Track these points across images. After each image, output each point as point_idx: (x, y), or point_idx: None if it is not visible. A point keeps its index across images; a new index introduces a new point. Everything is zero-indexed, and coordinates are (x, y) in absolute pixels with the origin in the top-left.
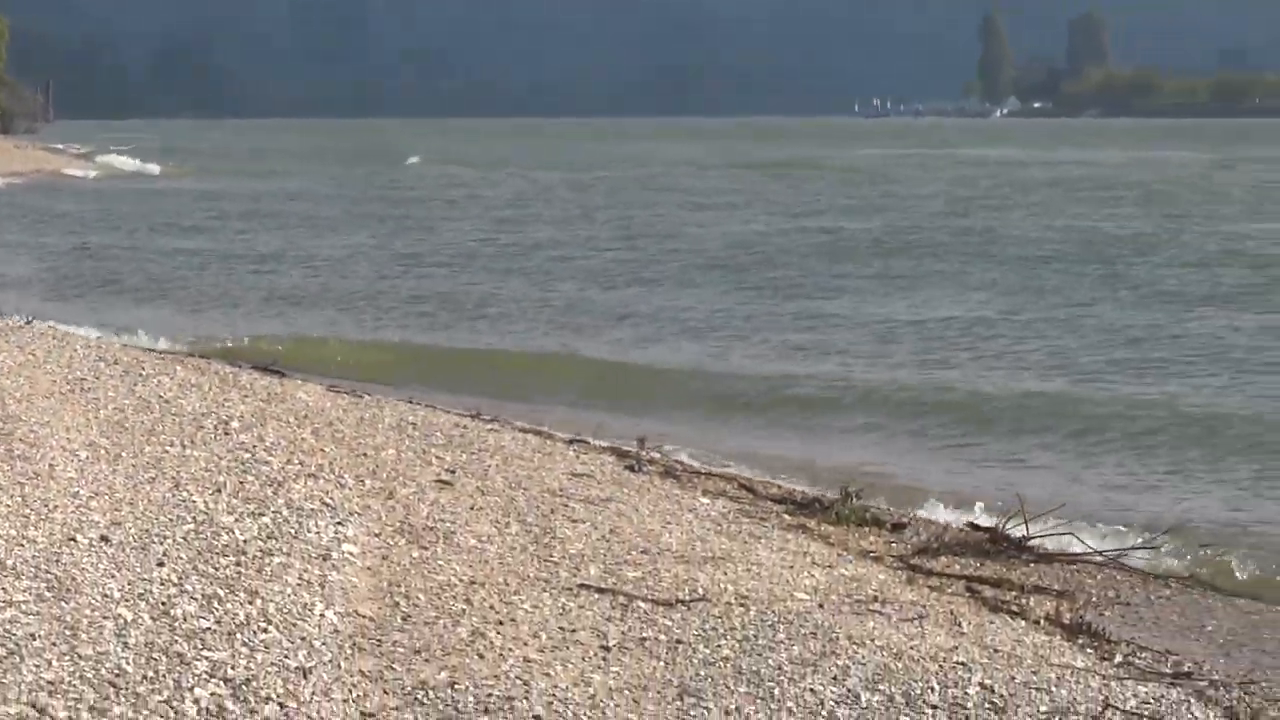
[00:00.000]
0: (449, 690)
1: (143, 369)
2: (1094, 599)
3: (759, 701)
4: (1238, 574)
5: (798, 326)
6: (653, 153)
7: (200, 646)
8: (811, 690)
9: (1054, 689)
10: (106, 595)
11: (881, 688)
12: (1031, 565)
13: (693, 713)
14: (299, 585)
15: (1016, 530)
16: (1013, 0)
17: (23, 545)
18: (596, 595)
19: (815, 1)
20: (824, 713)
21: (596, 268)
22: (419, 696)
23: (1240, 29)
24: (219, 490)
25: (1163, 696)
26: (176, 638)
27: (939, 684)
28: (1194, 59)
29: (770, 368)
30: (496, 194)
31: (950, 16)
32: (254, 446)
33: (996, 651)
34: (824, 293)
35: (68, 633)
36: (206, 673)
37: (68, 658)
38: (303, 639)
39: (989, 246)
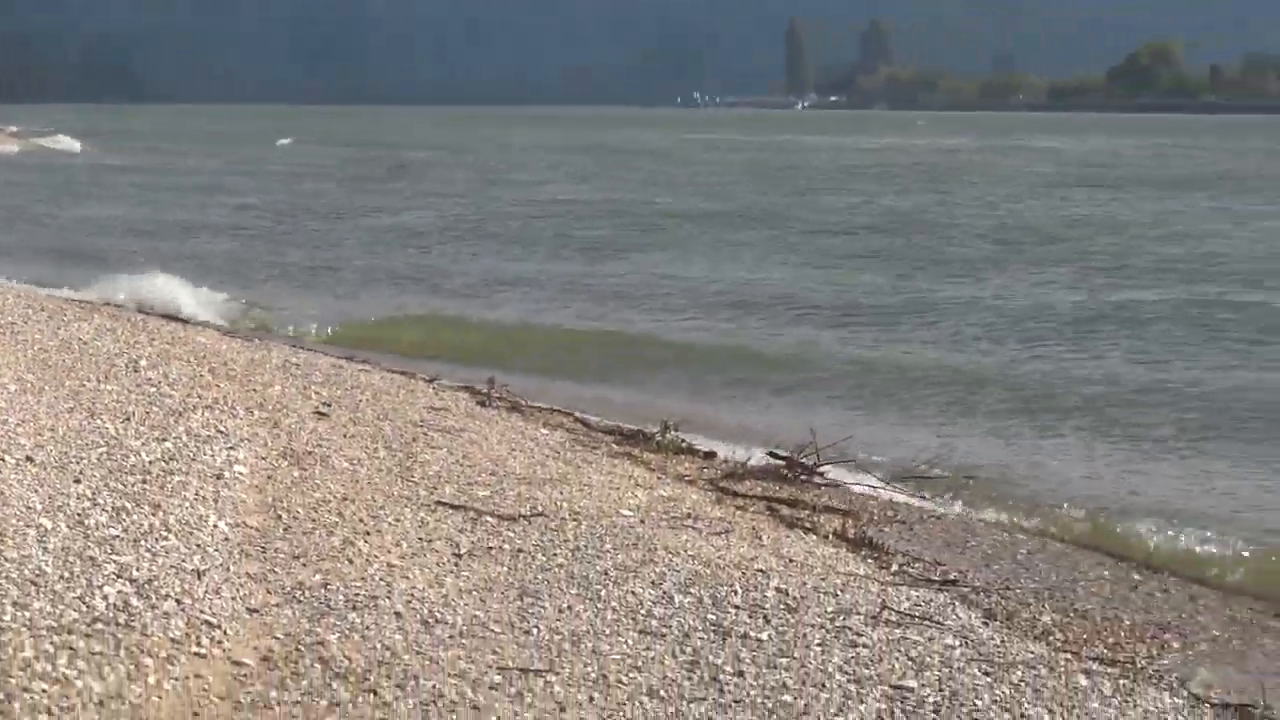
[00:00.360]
0: (323, 590)
1: (65, 315)
2: (874, 518)
3: (588, 601)
4: (994, 499)
5: (611, 285)
6: (514, 137)
7: (110, 551)
8: (633, 592)
9: (839, 593)
10: (30, 507)
11: (692, 590)
12: (821, 489)
13: (531, 610)
14: (195, 500)
15: (809, 459)
16: (814, 8)
17: None
18: (450, 511)
19: (652, 8)
20: (643, 611)
21: (423, 229)
22: (297, 595)
23: (1008, 38)
24: (128, 419)
25: (931, 599)
26: (89, 544)
27: (741, 588)
28: (970, 62)
29: (595, 323)
30: (337, 169)
31: (760, 18)
32: (159, 382)
33: (791, 561)
34: (634, 254)
35: None
36: (114, 573)
37: None
38: (198, 546)
39: (780, 218)
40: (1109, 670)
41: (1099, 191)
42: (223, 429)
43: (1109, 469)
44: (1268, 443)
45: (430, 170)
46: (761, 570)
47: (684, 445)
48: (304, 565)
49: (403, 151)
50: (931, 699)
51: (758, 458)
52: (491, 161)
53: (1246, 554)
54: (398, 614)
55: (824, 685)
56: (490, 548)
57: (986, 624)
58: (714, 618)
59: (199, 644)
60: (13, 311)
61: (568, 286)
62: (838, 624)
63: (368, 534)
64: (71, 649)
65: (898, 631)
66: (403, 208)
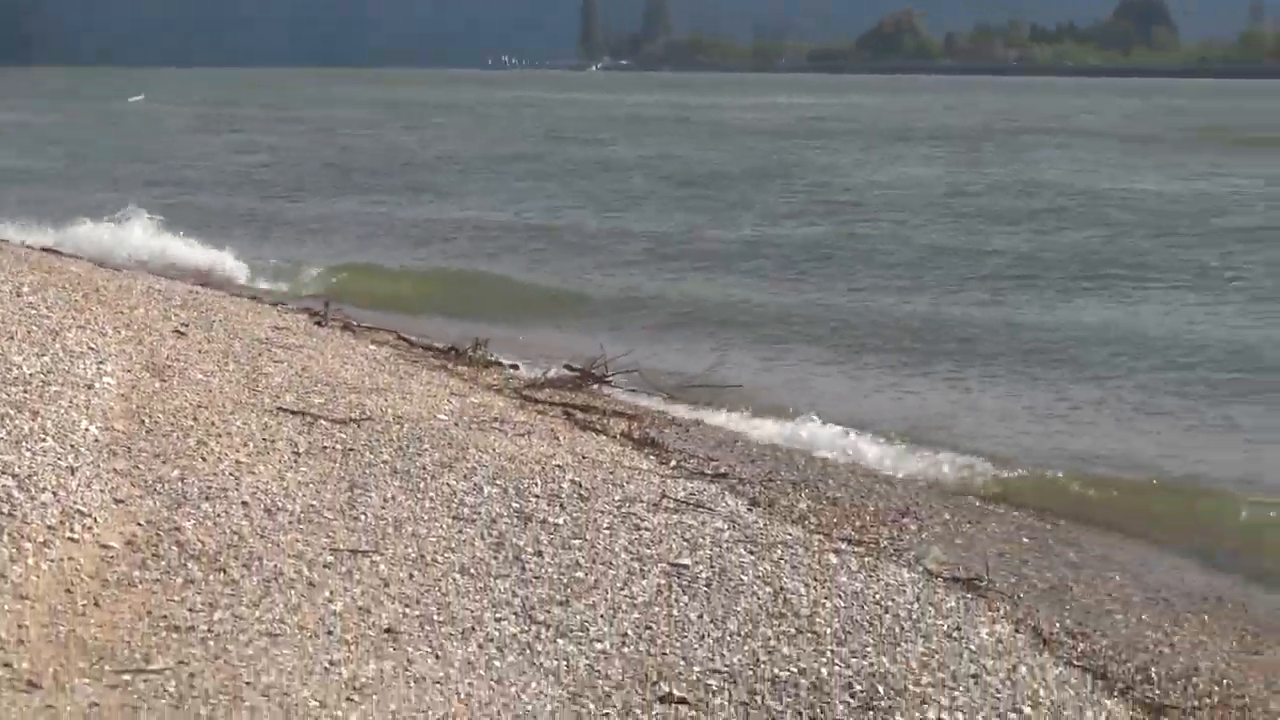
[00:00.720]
0: (180, 484)
1: None
2: (656, 422)
3: (409, 492)
4: (758, 408)
5: (411, 223)
6: (335, 95)
7: None
8: (448, 484)
9: (625, 484)
10: None
11: (499, 483)
12: (609, 397)
13: (360, 500)
14: (70, 407)
15: (599, 372)
16: None
17: None
18: (290, 416)
19: None
20: (456, 501)
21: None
22: (157, 488)
23: (774, 9)
24: (12, 337)
25: (704, 490)
26: None
27: (541, 480)
28: (739, 31)
29: (399, 259)
30: (172, 123)
31: None
32: (39, 306)
33: (584, 457)
34: (445, 198)
35: None
36: None
37: None
38: (71, 446)
39: (580, 166)
40: (856, 549)
41: (817, 141)
42: (94, 346)
43: (861, 384)
44: (1002, 362)
45: (275, 124)
46: (558, 465)
47: (492, 360)
48: (164, 463)
49: (250, 109)
50: (704, 574)
51: (556, 370)
52: (312, 115)
53: (978, 459)
54: (244, 504)
55: (611, 563)
56: (325, 447)
57: (751, 510)
58: (517, 506)
59: (72, 530)
60: None
61: (392, 226)
62: (624, 511)
63: (219, 436)
64: None
65: (675, 517)
66: (244, 149)
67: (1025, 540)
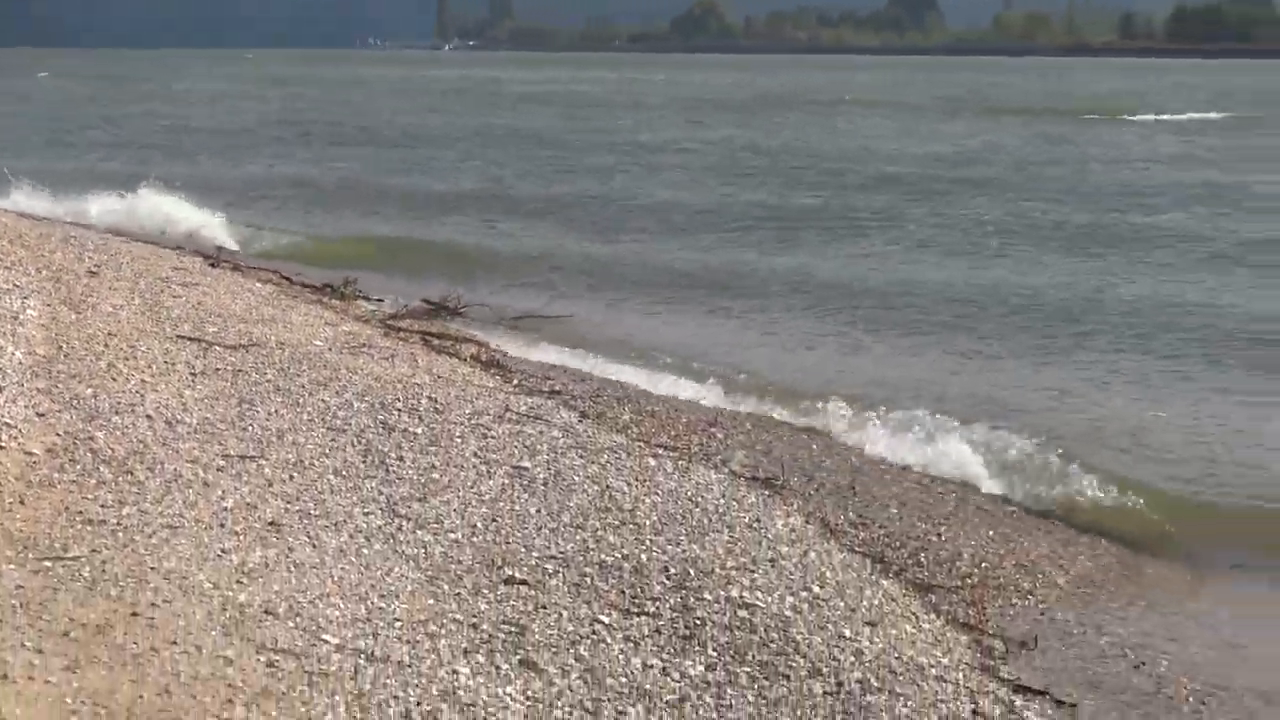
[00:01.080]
0: (93, 400)
1: None
2: (500, 347)
3: (289, 406)
4: (586, 338)
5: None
6: (241, 73)
7: None
8: (323, 400)
9: (474, 400)
10: None
11: (367, 398)
12: (461, 327)
13: (248, 414)
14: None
15: (453, 305)
16: None
17: None
18: (188, 342)
19: None
20: (330, 413)
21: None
22: (74, 404)
23: None
24: None
25: (542, 404)
26: None
27: (403, 396)
28: (573, 16)
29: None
30: (63, 95)
31: None
32: None
33: (439, 377)
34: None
35: None
36: None
37: None
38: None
39: (436, 138)
40: (671, 454)
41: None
42: (18, 284)
43: (663, 318)
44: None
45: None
46: (417, 384)
47: (361, 295)
48: (79, 382)
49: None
50: (542, 475)
51: (415, 304)
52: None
53: (776, 380)
54: (149, 417)
55: (463, 466)
56: (218, 369)
57: (582, 421)
58: (382, 418)
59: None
60: None
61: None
62: (473, 422)
63: (127, 359)
64: None
65: (517, 427)
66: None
67: (815, 448)
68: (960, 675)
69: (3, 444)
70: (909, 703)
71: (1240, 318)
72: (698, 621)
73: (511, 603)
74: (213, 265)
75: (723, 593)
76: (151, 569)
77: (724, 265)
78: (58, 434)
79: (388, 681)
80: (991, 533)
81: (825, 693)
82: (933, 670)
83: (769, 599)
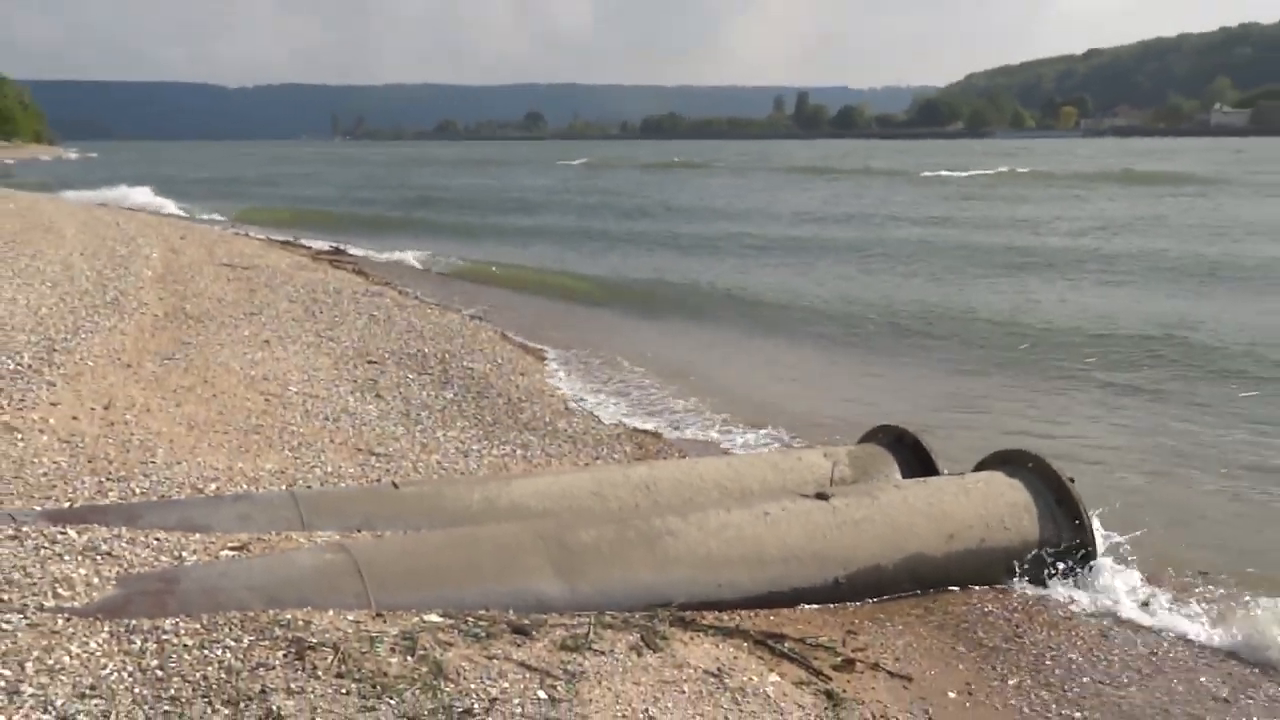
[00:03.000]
0: (183, 290)
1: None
2: (364, 267)
3: (271, 291)
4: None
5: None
6: None
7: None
8: (286, 289)
9: (352, 287)
10: None
11: (304, 287)
12: (353, 259)
13: (253, 295)
14: (142, 260)
15: (342, 249)
16: None
17: None
18: (225, 266)
19: None
20: (290, 295)
21: None
22: (175, 292)
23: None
24: (129, 239)
25: (381, 289)
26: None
27: (320, 286)
28: (427, 119)
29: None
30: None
31: None
32: (128, 228)
33: (336, 278)
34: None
35: None
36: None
37: None
38: (142, 276)
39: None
40: (439, 307)
41: None
42: (150, 242)
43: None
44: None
45: None
46: (326, 280)
47: (298, 243)
48: (177, 283)
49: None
50: (381, 316)
51: (326, 248)
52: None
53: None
54: (209, 297)
55: (347, 314)
56: (239, 277)
57: (400, 294)
58: (312, 295)
59: (143, 301)
60: None
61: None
62: (351, 295)
63: (197, 273)
64: None
65: (371, 298)
66: None
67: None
68: None
69: (145, 311)
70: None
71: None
72: (450, 375)
73: (371, 371)
74: (233, 232)
75: (461, 364)
76: (212, 362)
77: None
78: (168, 306)
79: (318, 404)
80: None
81: (505, 403)
82: None
83: (480, 365)
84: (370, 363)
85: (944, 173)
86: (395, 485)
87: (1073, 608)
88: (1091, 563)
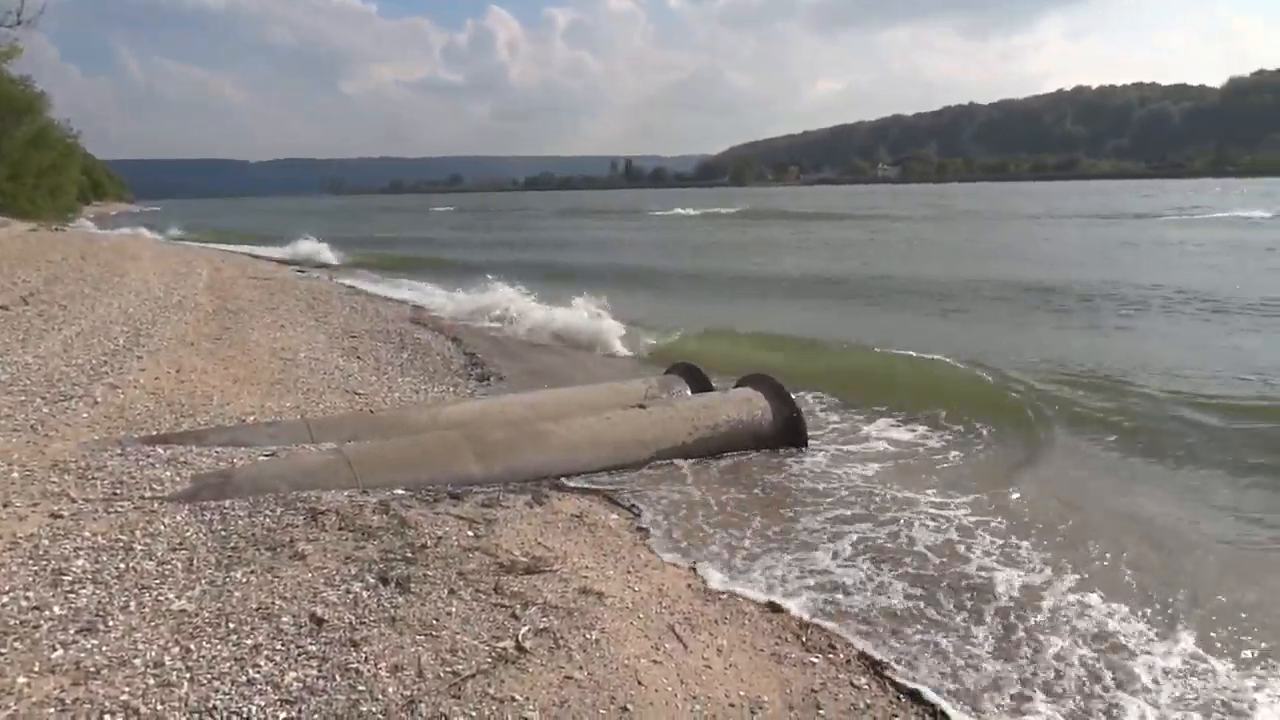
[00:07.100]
0: (225, 295)
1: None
2: (344, 279)
3: (282, 295)
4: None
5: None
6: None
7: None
8: (292, 293)
9: (338, 290)
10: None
11: (307, 292)
12: (340, 273)
13: (271, 298)
14: (195, 279)
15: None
16: None
17: None
18: (253, 279)
19: None
20: (294, 296)
21: None
22: (218, 296)
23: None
24: (186, 264)
25: (356, 287)
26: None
27: (318, 290)
28: (382, 179)
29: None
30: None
31: None
32: (190, 262)
33: (327, 285)
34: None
35: None
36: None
37: None
38: (197, 286)
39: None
40: (402, 305)
41: None
42: (199, 268)
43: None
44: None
45: None
46: (321, 288)
47: (298, 264)
48: (220, 291)
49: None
50: (360, 308)
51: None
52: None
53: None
54: (244, 299)
55: (335, 307)
56: (262, 286)
57: (371, 286)
58: (311, 297)
59: (199, 303)
60: None
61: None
62: (339, 296)
63: (234, 284)
64: None
65: (351, 298)
66: None
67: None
68: None
69: (199, 309)
70: None
71: None
72: (404, 343)
73: (353, 344)
74: (255, 259)
75: (412, 336)
76: (246, 339)
77: None
78: (215, 305)
79: (320, 365)
80: None
81: (440, 359)
82: None
83: (424, 336)
84: (352, 337)
85: (677, 210)
86: (372, 412)
87: (788, 461)
88: (805, 444)
